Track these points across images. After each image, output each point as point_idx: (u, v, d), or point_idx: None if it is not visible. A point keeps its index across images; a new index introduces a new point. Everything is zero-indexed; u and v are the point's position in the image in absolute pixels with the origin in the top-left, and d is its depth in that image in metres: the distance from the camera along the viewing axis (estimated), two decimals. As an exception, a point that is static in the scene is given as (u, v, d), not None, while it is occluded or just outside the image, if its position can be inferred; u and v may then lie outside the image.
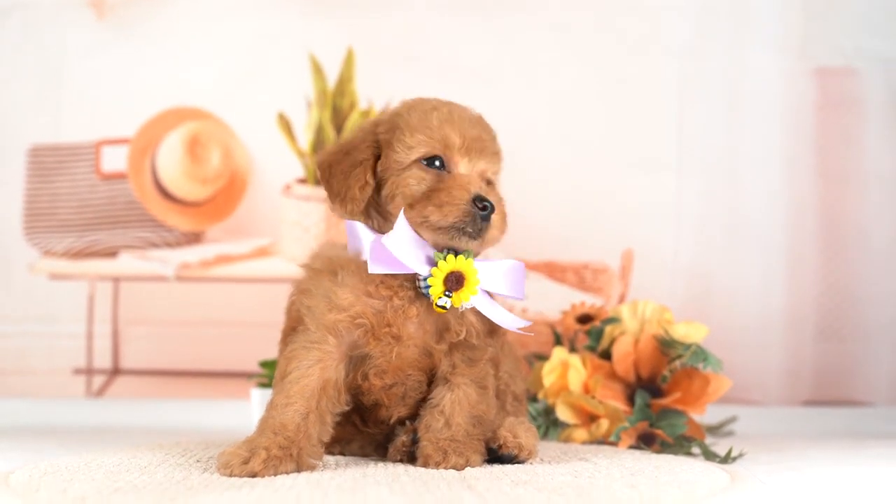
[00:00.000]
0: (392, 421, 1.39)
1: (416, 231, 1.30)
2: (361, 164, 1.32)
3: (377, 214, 1.36)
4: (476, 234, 1.28)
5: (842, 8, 2.60)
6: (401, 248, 1.28)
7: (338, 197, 1.32)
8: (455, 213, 1.27)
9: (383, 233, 1.32)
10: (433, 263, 1.30)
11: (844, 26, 2.60)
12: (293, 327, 1.37)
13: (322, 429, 1.29)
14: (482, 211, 1.27)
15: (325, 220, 2.54)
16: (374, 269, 1.28)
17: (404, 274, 1.31)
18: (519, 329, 1.37)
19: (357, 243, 1.34)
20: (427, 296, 1.31)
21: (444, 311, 1.31)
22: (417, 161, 1.31)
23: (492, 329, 1.39)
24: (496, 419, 1.42)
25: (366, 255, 1.31)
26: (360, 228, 1.34)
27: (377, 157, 1.34)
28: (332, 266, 1.33)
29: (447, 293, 1.29)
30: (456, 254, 1.30)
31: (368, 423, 1.42)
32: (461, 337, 1.34)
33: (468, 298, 1.31)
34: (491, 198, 1.29)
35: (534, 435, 1.44)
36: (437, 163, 1.31)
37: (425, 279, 1.30)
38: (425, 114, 1.33)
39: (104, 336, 2.54)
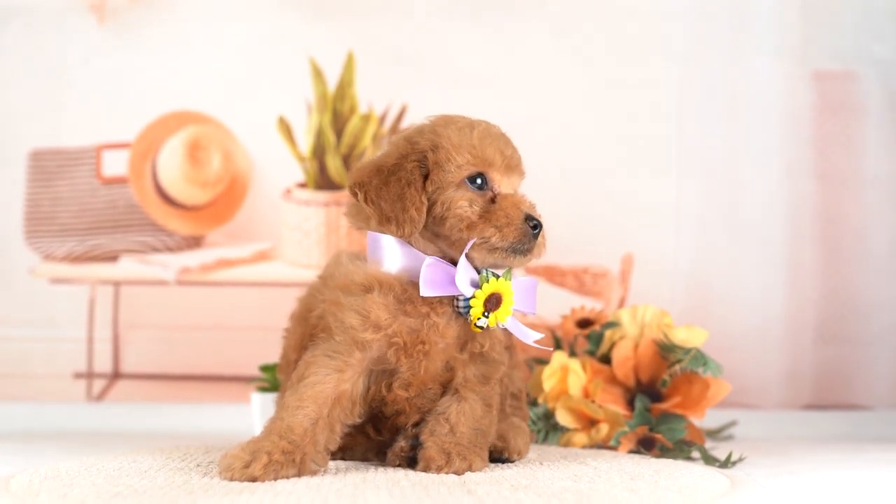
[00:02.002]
0: (408, 426, 1.39)
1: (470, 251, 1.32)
2: (413, 185, 1.31)
3: (424, 232, 1.34)
4: (528, 251, 1.31)
5: (840, 11, 2.60)
6: (460, 267, 1.30)
7: (391, 220, 1.30)
8: (514, 233, 1.30)
9: (427, 251, 1.33)
10: (476, 285, 1.31)
11: (843, 30, 2.60)
12: (313, 334, 1.37)
13: (330, 437, 1.29)
14: (533, 229, 1.31)
15: (325, 224, 2.54)
16: (426, 291, 1.28)
17: None
18: (535, 343, 1.40)
19: (380, 256, 1.34)
20: (465, 315, 1.32)
21: (481, 330, 1.33)
22: (464, 181, 1.32)
23: (510, 343, 1.42)
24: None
25: (400, 271, 1.32)
26: (389, 243, 1.33)
27: (425, 177, 1.33)
28: (368, 281, 1.32)
29: (485, 313, 1.31)
30: (496, 276, 1.32)
31: (384, 431, 1.42)
32: (485, 349, 1.35)
33: (504, 319, 1.33)
34: (536, 215, 1.32)
35: (523, 434, 1.47)
36: (478, 181, 1.33)
37: (466, 300, 1.31)
38: (464, 132, 1.34)
39: (105, 340, 2.54)
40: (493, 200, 1.33)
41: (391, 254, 1.33)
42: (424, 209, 1.31)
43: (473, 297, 1.31)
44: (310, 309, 1.43)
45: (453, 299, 1.33)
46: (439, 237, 1.34)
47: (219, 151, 2.58)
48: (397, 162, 1.33)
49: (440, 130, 1.35)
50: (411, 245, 1.34)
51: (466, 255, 1.32)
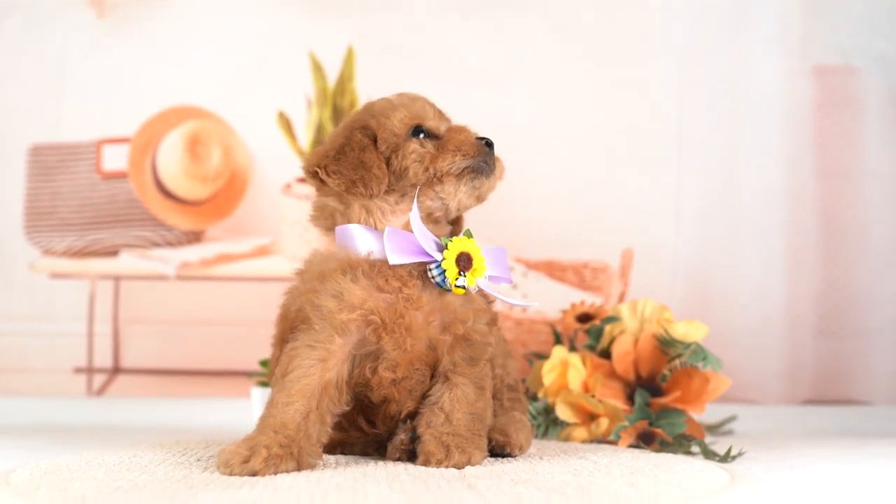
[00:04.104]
0: (402, 416, 1.39)
1: (438, 187, 1.36)
2: (367, 149, 1.37)
3: (391, 195, 1.38)
4: (492, 168, 1.38)
5: (840, 7, 2.60)
6: (417, 233, 1.33)
7: (357, 183, 1.34)
8: (472, 149, 1.37)
9: (399, 224, 1.35)
10: (442, 248, 1.33)
11: (843, 25, 2.60)
12: (294, 327, 1.37)
13: (321, 429, 1.29)
14: (487, 146, 1.38)
15: (325, 219, 2.54)
16: (393, 259, 1.31)
17: (411, 264, 1.33)
18: (525, 304, 1.44)
19: (352, 245, 1.35)
20: (441, 283, 1.33)
21: (464, 290, 1.34)
22: (408, 134, 1.39)
23: (494, 318, 1.42)
24: (494, 420, 1.43)
25: (367, 252, 1.34)
26: (357, 230, 1.36)
27: (374, 142, 1.39)
28: (341, 265, 1.34)
29: (461, 273, 1.32)
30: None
31: (377, 422, 1.42)
32: (468, 324, 1.35)
33: (481, 275, 1.35)
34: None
35: (525, 428, 1.47)
36: (421, 134, 1.39)
37: (438, 265, 1.32)
38: (391, 100, 1.43)
39: (105, 335, 2.54)
40: (439, 139, 1.41)
41: (361, 239, 1.36)
42: (384, 166, 1.37)
43: (444, 259, 1.33)
44: (290, 307, 1.43)
45: (425, 271, 1.34)
46: (406, 196, 1.38)
47: (219, 146, 2.58)
48: (345, 139, 1.39)
49: (370, 107, 1.43)
50: (389, 223, 1.36)
51: (442, 190, 1.36)
